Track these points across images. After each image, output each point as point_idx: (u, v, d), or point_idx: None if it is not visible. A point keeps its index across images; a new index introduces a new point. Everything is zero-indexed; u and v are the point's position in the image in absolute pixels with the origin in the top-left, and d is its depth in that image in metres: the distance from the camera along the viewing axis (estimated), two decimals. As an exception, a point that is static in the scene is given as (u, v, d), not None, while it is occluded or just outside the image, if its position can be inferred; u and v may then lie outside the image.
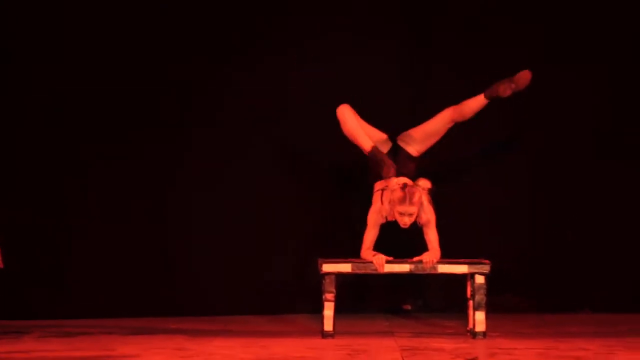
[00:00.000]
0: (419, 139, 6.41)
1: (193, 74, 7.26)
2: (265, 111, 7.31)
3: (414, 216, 6.07)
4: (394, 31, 7.39)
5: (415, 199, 6.03)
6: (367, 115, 6.39)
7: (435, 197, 6.18)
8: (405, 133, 6.46)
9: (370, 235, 6.21)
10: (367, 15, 7.38)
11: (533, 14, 7.38)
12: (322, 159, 7.39)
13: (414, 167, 6.35)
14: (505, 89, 6.25)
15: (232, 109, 7.31)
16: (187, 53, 7.28)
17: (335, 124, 6.33)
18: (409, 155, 6.40)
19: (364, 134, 6.28)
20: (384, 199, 6.18)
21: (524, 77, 6.27)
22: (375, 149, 6.21)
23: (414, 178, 6.22)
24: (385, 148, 6.39)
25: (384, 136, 6.46)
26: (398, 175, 6.21)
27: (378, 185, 6.32)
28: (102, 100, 7.22)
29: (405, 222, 6.06)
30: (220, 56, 7.28)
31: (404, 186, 6.06)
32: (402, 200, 6.02)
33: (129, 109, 7.24)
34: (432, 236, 6.18)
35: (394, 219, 6.15)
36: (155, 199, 7.26)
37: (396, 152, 6.38)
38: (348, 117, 6.29)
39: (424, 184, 6.17)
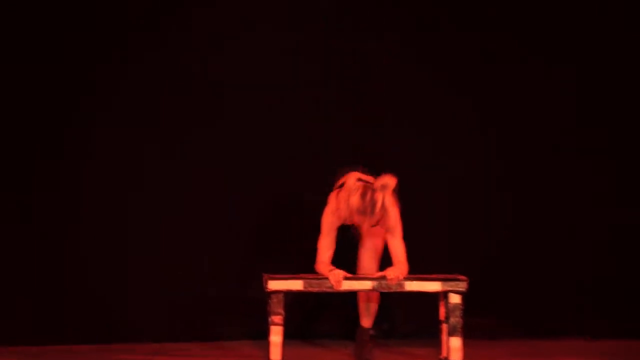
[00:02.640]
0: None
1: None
2: (197, 108, 6.92)
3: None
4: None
5: (378, 208, 5.58)
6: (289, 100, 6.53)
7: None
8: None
9: (326, 242, 5.74)
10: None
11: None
12: (266, 157, 7.00)
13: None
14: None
15: (140, 106, 6.84)
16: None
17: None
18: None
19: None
20: (340, 198, 5.68)
21: None
22: None
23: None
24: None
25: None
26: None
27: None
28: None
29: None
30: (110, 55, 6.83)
31: (364, 193, 5.55)
32: (362, 212, 5.57)
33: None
34: (397, 247, 5.73)
35: (352, 224, 5.72)
36: (53, 211, 6.73)
37: None
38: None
39: (389, 182, 5.59)
